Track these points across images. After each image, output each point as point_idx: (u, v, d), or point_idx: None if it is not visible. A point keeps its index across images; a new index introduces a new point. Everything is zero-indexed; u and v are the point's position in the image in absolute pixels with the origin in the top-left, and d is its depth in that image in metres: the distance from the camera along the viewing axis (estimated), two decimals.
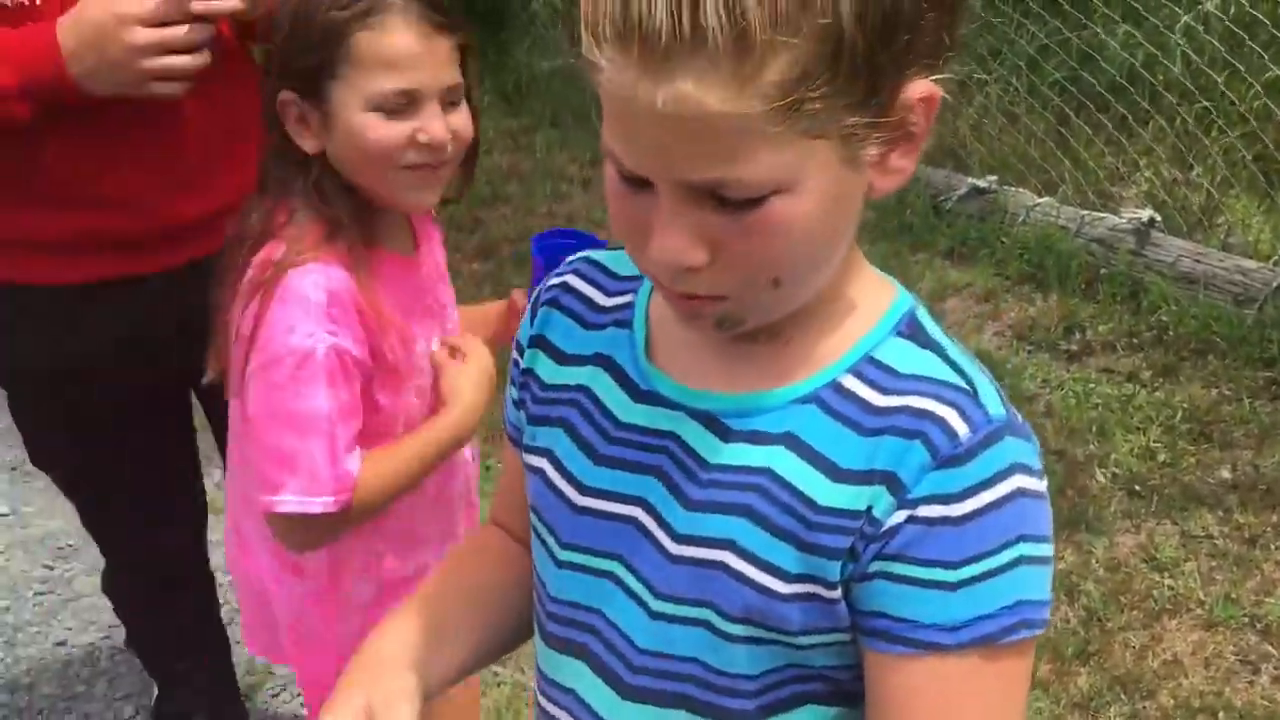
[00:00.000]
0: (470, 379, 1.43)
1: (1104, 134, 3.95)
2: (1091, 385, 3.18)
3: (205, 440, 1.92)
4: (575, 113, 5.37)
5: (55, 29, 1.40)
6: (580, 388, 0.89)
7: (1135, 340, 3.34)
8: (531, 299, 0.96)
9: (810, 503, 0.78)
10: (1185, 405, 3.06)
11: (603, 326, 0.90)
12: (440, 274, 1.50)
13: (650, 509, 0.84)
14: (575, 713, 0.89)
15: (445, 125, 1.31)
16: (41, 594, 2.66)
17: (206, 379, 1.39)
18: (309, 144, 1.31)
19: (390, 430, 1.39)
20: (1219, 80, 3.74)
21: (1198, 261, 3.40)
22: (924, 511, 0.76)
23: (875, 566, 0.77)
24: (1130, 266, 3.51)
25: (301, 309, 1.26)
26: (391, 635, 0.91)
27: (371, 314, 1.31)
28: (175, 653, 2.05)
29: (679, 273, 0.74)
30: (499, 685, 2.33)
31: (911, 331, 0.82)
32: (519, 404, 0.95)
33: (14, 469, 3.10)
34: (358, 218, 1.32)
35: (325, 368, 1.27)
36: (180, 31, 1.42)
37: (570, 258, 0.96)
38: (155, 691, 2.16)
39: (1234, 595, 2.49)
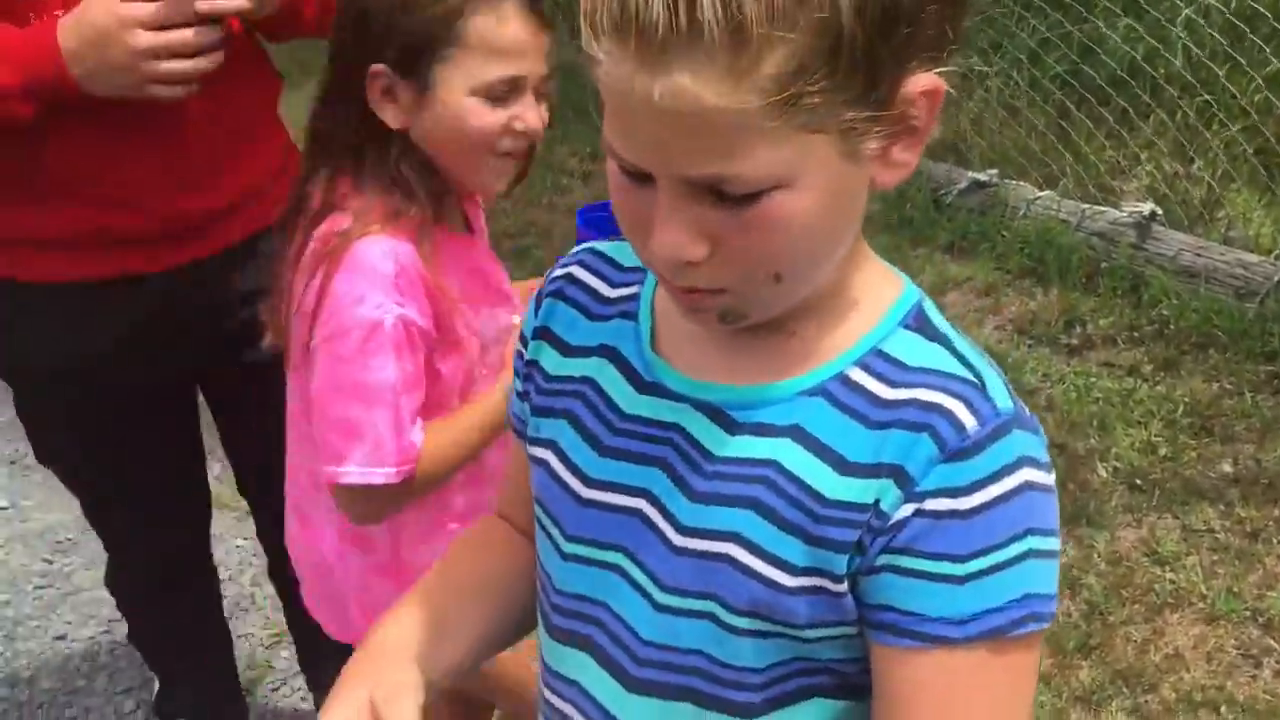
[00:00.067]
0: None
1: (1105, 127, 3.95)
2: (1092, 379, 3.17)
3: (210, 437, 1.92)
4: (575, 107, 5.36)
5: (56, 29, 1.39)
6: (585, 379, 0.89)
7: (1136, 334, 3.34)
8: (536, 290, 0.95)
9: (817, 496, 0.78)
10: (1186, 399, 3.05)
11: (608, 318, 0.90)
12: (490, 253, 1.51)
13: (655, 501, 0.83)
14: (580, 705, 0.89)
15: (540, 115, 1.32)
16: (41, 588, 2.66)
17: (265, 344, 1.40)
18: (392, 119, 1.30)
19: (447, 402, 1.40)
20: (1220, 74, 3.73)
21: (1199, 255, 3.40)
22: (931, 505, 0.75)
23: (882, 560, 0.77)
24: (1131, 260, 3.50)
25: (369, 279, 1.26)
26: (395, 627, 0.91)
27: (436, 288, 1.30)
28: (177, 648, 2.04)
29: (679, 267, 0.74)
30: None
31: (919, 324, 0.81)
32: (523, 395, 0.94)
33: (13, 463, 3.10)
34: (430, 195, 1.32)
35: (393, 339, 1.26)
36: (183, 36, 1.41)
37: (575, 249, 0.95)
38: (156, 686, 2.16)
39: (1236, 589, 2.49)
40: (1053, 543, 0.78)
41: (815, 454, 0.79)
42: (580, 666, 0.88)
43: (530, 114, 1.31)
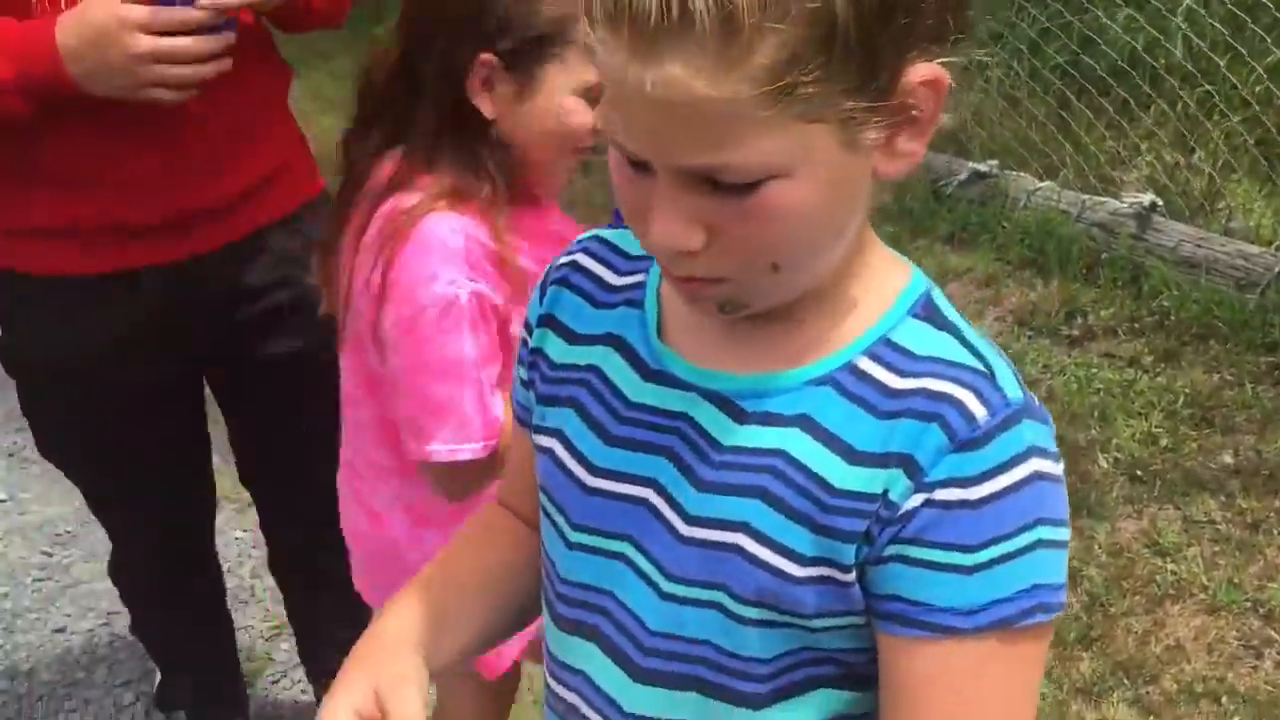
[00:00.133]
0: None
1: (1105, 118, 3.94)
2: (1093, 370, 3.17)
3: (211, 428, 1.91)
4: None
5: (55, 26, 1.38)
6: (590, 367, 0.88)
7: (1137, 325, 3.33)
8: (540, 278, 0.95)
9: (825, 485, 0.77)
10: (1187, 390, 3.05)
11: (613, 306, 0.89)
12: (567, 219, 1.50)
13: (661, 490, 0.83)
14: (586, 694, 0.89)
15: None
16: (40, 580, 2.65)
17: (322, 310, 1.40)
18: (487, 108, 1.29)
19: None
20: (1221, 64, 3.72)
21: (1199, 246, 3.39)
22: (941, 495, 0.75)
23: (891, 550, 0.76)
24: (1131, 251, 3.50)
25: (440, 256, 1.26)
26: (397, 617, 0.90)
27: (506, 261, 1.30)
28: (179, 640, 2.04)
29: (677, 256, 0.74)
30: None
31: (928, 313, 0.81)
32: (528, 384, 0.94)
33: (11, 455, 3.10)
34: (509, 184, 1.32)
35: (469, 314, 1.27)
36: (183, 43, 1.40)
37: (580, 236, 0.95)
38: (157, 678, 2.15)
39: (1236, 580, 2.49)
40: (1062, 533, 0.77)
41: (824, 443, 0.78)
42: (586, 656, 0.88)
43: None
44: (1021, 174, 3.88)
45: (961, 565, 0.75)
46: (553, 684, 0.93)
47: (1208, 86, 3.75)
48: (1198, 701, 2.22)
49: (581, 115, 1.29)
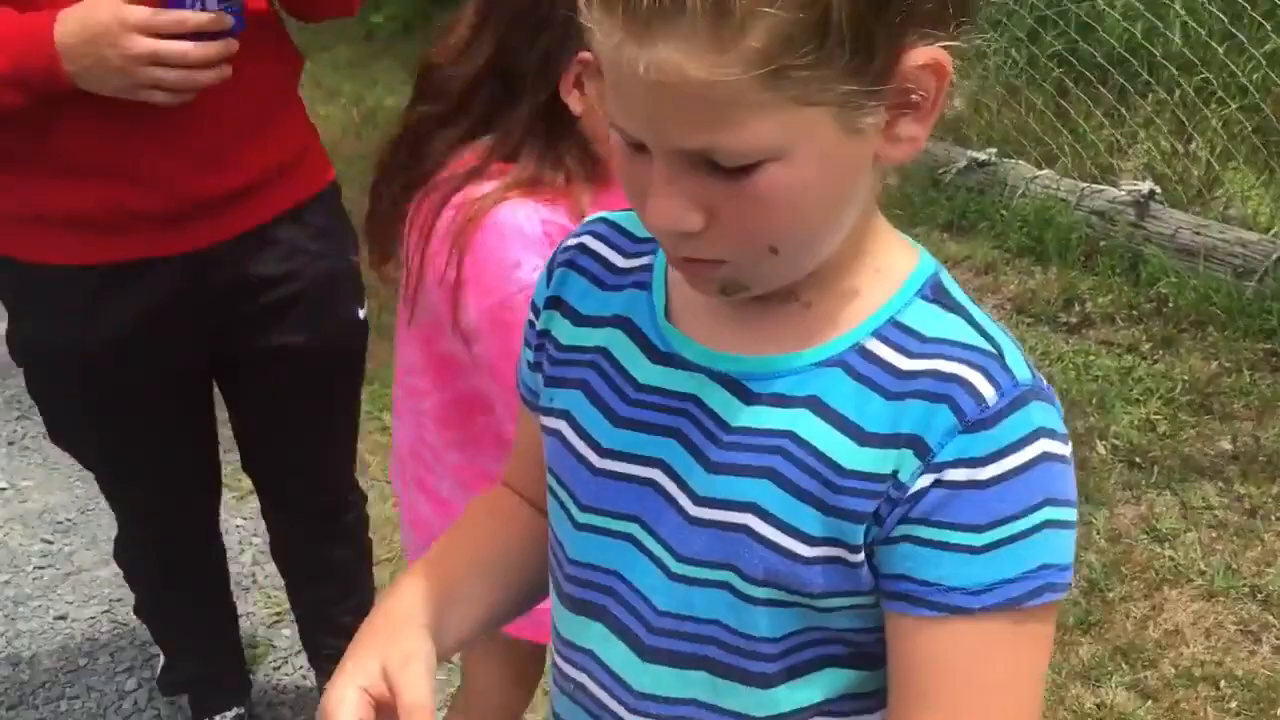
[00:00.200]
0: None
1: (1103, 105, 3.94)
2: (1091, 357, 3.18)
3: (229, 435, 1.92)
4: None
5: (53, 22, 1.38)
6: (598, 349, 0.88)
7: (1135, 312, 3.34)
8: (548, 260, 0.95)
9: (835, 466, 0.78)
10: (1185, 377, 3.06)
11: (621, 288, 0.89)
12: None
13: (670, 471, 0.83)
14: (595, 674, 0.89)
15: None
16: (41, 568, 2.66)
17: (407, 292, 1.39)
18: (576, 106, 1.30)
19: None
20: (1219, 51, 3.72)
21: (1197, 234, 3.40)
22: (950, 475, 0.75)
23: (900, 530, 0.77)
24: (1130, 239, 3.51)
25: (521, 242, 1.26)
26: (404, 597, 0.90)
27: None
28: (183, 623, 2.04)
29: (676, 237, 0.75)
30: None
31: (936, 295, 0.81)
32: (535, 366, 0.94)
33: (11, 443, 3.10)
34: (587, 179, 1.33)
35: None
36: (182, 48, 1.40)
37: (587, 218, 0.95)
38: (160, 661, 2.15)
39: (1235, 566, 2.50)
40: (1070, 513, 0.78)
41: (833, 424, 0.78)
42: (594, 635, 0.88)
43: None
44: (1020, 162, 3.88)
45: (970, 545, 0.75)
46: (561, 663, 0.93)
47: (1206, 74, 3.76)
48: (1196, 685, 2.23)
49: None
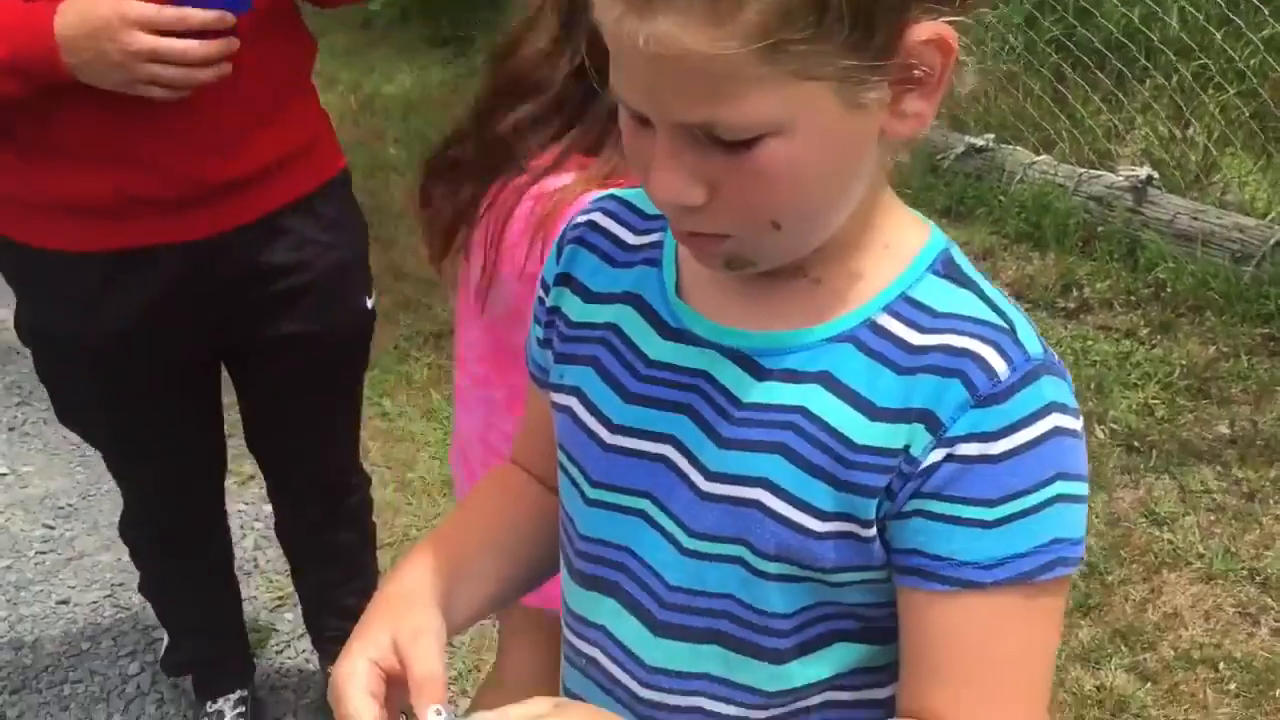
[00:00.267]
0: None
1: (1101, 91, 3.94)
2: (1089, 343, 3.19)
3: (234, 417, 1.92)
4: None
5: (54, 13, 1.37)
6: (609, 326, 0.89)
7: (1133, 298, 3.35)
8: (557, 237, 0.95)
9: (846, 441, 0.78)
10: (1183, 362, 3.07)
11: (631, 265, 0.90)
12: None
13: (682, 447, 0.84)
14: (607, 649, 0.89)
15: None
16: (43, 553, 2.66)
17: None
18: None
19: None
20: (1217, 36, 3.73)
21: (1195, 219, 3.41)
22: (962, 450, 0.76)
23: (912, 505, 0.77)
24: (1127, 224, 3.51)
25: None
26: (414, 572, 0.91)
27: None
28: (187, 602, 2.05)
29: (679, 211, 0.75)
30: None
31: (948, 271, 0.81)
32: (544, 343, 0.94)
33: (11, 429, 3.10)
34: None
35: None
36: (183, 46, 1.39)
37: (596, 195, 0.95)
38: (163, 645, 2.16)
39: (1233, 549, 2.51)
40: (1081, 487, 0.78)
41: (844, 400, 0.79)
42: (605, 611, 0.89)
43: None
44: (1017, 148, 3.88)
45: (982, 520, 0.76)
46: (572, 638, 0.94)
47: (1204, 59, 3.76)
48: (1195, 668, 2.24)
49: None
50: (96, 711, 2.24)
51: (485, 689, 1.70)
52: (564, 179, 1.28)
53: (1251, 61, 3.69)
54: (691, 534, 0.83)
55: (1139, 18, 3.91)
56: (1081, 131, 3.89)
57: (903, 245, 0.82)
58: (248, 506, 2.71)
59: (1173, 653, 2.28)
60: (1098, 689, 2.20)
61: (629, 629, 0.87)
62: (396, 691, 0.83)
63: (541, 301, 0.95)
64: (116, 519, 2.68)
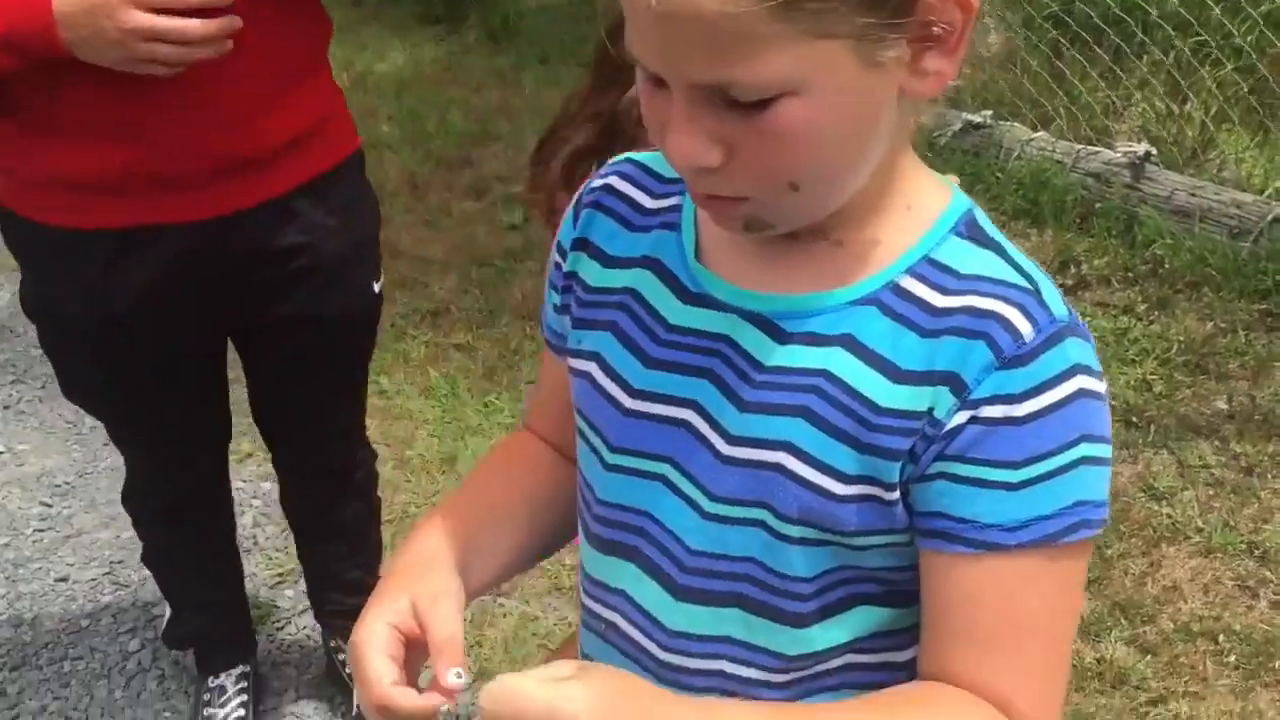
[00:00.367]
0: None
1: (1099, 67, 3.93)
2: (1087, 319, 3.15)
3: (242, 393, 1.91)
4: (563, 50, 5.31)
5: None
6: (627, 290, 0.88)
7: (1130, 274, 3.35)
8: (573, 201, 0.95)
9: (870, 404, 0.78)
10: (1181, 338, 3.07)
11: (649, 229, 0.89)
12: None
13: (702, 411, 0.83)
14: (627, 614, 0.89)
15: None
16: (41, 531, 2.64)
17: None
18: None
19: None
20: (1215, 11, 3.72)
21: (1193, 195, 3.40)
22: (987, 412, 0.75)
23: (936, 467, 0.77)
24: (1125, 201, 3.51)
25: None
26: (431, 538, 0.90)
27: None
28: (190, 574, 2.04)
29: (697, 173, 0.74)
30: (505, 616, 2.34)
31: (971, 232, 0.81)
32: (561, 309, 0.94)
33: (6, 407, 3.08)
34: None
35: None
36: (179, 24, 1.37)
37: (612, 160, 0.94)
38: (166, 615, 2.15)
39: (1232, 523, 2.52)
40: (1105, 450, 0.78)
41: (867, 362, 0.78)
42: (625, 575, 0.89)
43: None
44: (1015, 124, 3.88)
45: (1006, 482, 0.76)
46: (590, 603, 0.93)
47: (1202, 35, 3.75)
48: (1194, 640, 2.25)
49: None
50: (97, 688, 2.23)
51: (567, 643, 1.70)
52: None
53: (1249, 37, 3.68)
54: (713, 498, 0.83)
55: None
56: (1079, 108, 3.88)
57: (925, 207, 0.81)
58: (245, 484, 2.70)
59: (1172, 625, 2.29)
60: (1098, 661, 2.21)
61: (649, 593, 0.87)
62: (414, 654, 0.82)
63: (558, 267, 0.94)
64: (114, 497, 2.68)
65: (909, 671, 0.85)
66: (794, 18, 0.66)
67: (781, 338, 0.81)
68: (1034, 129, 3.85)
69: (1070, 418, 0.76)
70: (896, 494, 0.78)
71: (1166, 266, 3.32)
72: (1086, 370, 0.77)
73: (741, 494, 0.81)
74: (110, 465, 2.83)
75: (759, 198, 0.75)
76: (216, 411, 1.84)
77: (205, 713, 2.08)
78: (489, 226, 3.90)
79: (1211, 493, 2.61)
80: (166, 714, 2.17)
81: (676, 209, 0.89)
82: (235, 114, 1.51)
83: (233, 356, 1.84)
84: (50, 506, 2.72)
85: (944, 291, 0.78)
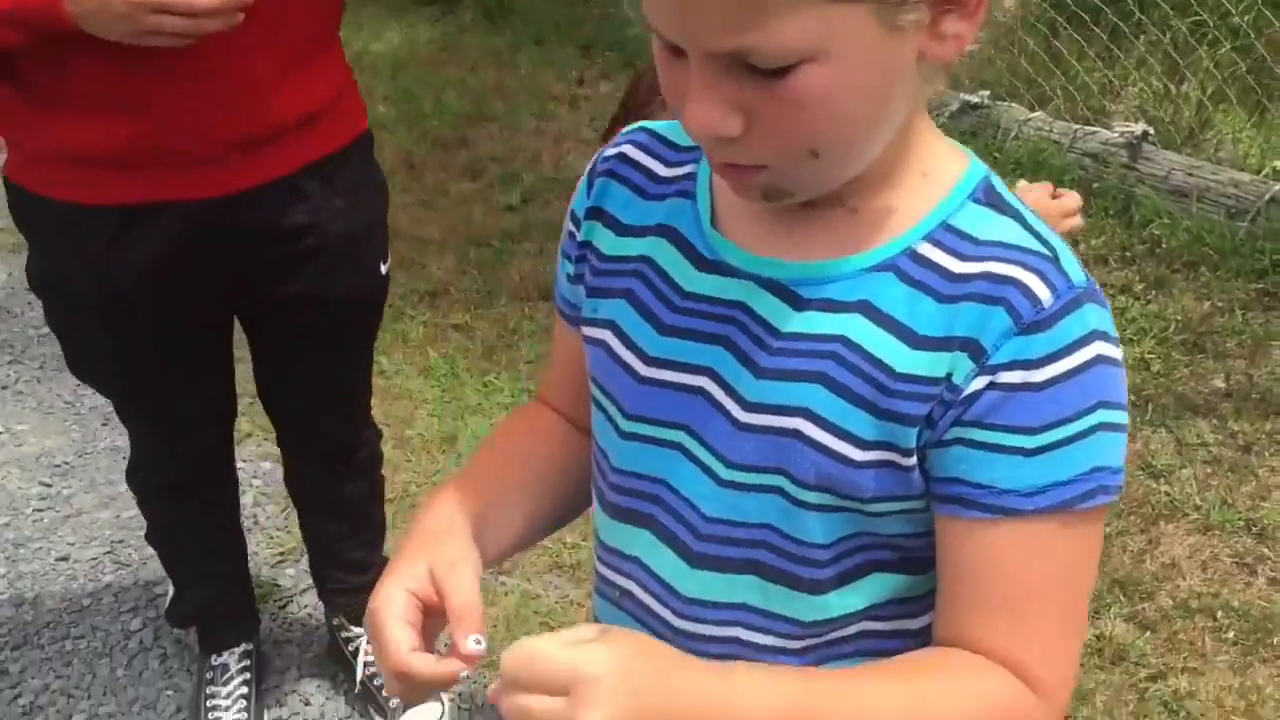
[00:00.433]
0: None
1: (1096, 46, 3.93)
2: None
3: (243, 372, 1.91)
4: (558, 30, 5.30)
5: None
6: (642, 258, 0.88)
7: (1128, 253, 3.35)
8: (586, 170, 0.94)
9: (888, 369, 0.78)
10: (1178, 317, 3.08)
11: (664, 197, 0.89)
12: None
13: (718, 378, 0.83)
14: (642, 581, 0.89)
15: None
16: (40, 510, 2.64)
17: None
18: None
19: None
20: None
21: (1190, 175, 3.41)
22: (1005, 378, 0.75)
23: (953, 433, 0.77)
24: (1123, 180, 3.51)
25: None
26: (446, 508, 0.90)
27: None
28: (194, 551, 2.04)
29: (716, 142, 0.74)
30: (506, 594, 2.34)
31: (989, 198, 0.81)
32: (575, 278, 0.93)
33: (4, 388, 3.07)
34: None
35: None
36: None
37: (625, 129, 0.94)
38: (169, 593, 2.15)
39: (1230, 500, 2.53)
40: (1122, 416, 0.78)
41: (885, 328, 0.78)
42: (640, 543, 0.89)
43: None
44: (1013, 104, 3.87)
45: (1023, 448, 0.76)
46: (604, 570, 0.93)
47: (1199, 14, 3.75)
48: (1193, 617, 2.26)
49: None
50: (99, 666, 2.23)
51: None
52: None
53: (1246, 16, 3.68)
54: (729, 465, 0.83)
55: None
56: (1076, 88, 3.88)
57: (942, 173, 0.81)
58: (245, 464, 2.69)
59: (1171, 602, 2.30)
60: (1097, 638, 2.22)
61: (664, 561, 0.87)
62: (431, 621, 0.83)
63: (571, 236, 0.94)
64: (114, 477, 2.69)
65: (923, 639, 0.85)
66: None
67: (798, 304, 0.81)
68: (1031, 109, 3.85)
69: (1088, 384, 0.76)
70: (913, 460, 0.78)
71: (1164, 246, 3.32)
72: (1104, 336, 0.77)
73: (758, 461, 0.82)
74: (109, 445, 2.83)
75: (778, 166, 0.75)
76: (221, 386, 1.84)
77: (208, 690, 2.08)
78: (486, 207, 3.90)
79: (1209, 471, 2.62)
80: (169, 692, 2.18)
81: (691, 177, 0.88)
82: (244, 89, 1.50)
83: (238, 337, 1.84)
84: (50, 486, 2.72)
85: (962, 257, 0.78)
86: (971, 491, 0.77)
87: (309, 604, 2.34)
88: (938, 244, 0.79)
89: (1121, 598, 2.31)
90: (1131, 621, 2.27)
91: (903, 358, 0.78)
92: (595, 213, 0.92)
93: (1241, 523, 2.48)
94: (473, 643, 0.78)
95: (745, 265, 0.83)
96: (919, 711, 0.77)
